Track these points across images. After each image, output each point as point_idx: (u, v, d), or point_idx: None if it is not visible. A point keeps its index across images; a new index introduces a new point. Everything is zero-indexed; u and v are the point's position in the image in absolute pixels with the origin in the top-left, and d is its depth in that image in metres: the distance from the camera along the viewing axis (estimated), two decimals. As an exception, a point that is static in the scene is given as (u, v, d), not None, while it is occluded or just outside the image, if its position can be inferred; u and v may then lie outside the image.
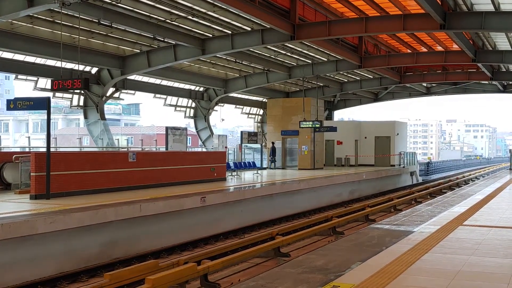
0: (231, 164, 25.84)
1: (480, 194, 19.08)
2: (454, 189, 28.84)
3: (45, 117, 14.60)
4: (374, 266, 7.42)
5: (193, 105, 33.02)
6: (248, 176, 25.76)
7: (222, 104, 35.03)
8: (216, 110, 34.68)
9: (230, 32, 22.16)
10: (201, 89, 32.44)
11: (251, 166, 27.57)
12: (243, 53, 25.84)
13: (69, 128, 69.22)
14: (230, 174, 24.52)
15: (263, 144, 34.03)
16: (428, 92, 42.87)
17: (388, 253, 8.36)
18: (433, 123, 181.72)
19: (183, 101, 32.23)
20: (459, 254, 8.36)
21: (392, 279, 6.70)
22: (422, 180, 43.13)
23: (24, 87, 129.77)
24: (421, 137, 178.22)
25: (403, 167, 37.45)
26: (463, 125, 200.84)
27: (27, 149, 22.97)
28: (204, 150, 32.83)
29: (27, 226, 10.52)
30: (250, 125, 42.14)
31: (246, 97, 37.29)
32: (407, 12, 20.50)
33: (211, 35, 22.45)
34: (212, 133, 33.46)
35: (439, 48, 28.16)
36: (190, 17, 20.32)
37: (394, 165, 37.08)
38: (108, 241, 12.55)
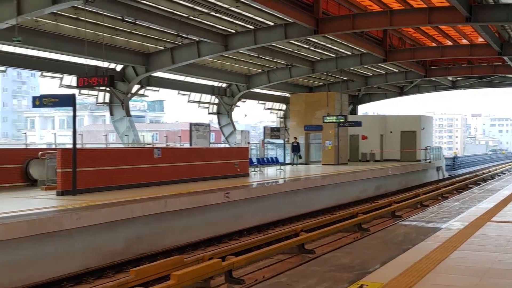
0: (254, 160, 25.80)
1: (507, 189, 18.74)
2: (480, 184, 28.42)
3: (71, 114, 14.71)
4: (402, 264, 7.29)
5: (216, 101, 33.05)
6: (271, 171, 25.71)
7: (244, 100, 35.01)
8: (239, 106, 34.68)
9: (253, 27, 22.09)
10: (224, 85, 32.44)
11: (274, 161, 27.49)
12: (266, 48, 25.73)
13: (95, 125, 69.90)
14: (253, 169, 24.48)
15: (286, 139, 33.86)
16: (454, 86, 42.32)
17: (416, 250, 8.22)
18: (458, 117, 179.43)
19: (206, 97, 32.27)
20: (489, 251, 8.20)
21: (421, 278, 6.57)
22: (449, 175, 42.57)
23: (49, 84, 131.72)
24: (446, 131, 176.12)
25: (429, 162, 36.99)
26: (488, 119, 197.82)
27: (53, 146, 23.25)
28: (227, 146, 32.86)
29: (53, 222, 10.63)
30: (272, 120, 42.03)
31: (269, 92, 37.17)
32: (432, 5, 20.21)
33: (233, 31, 22.40)
34: (235, 128, 33.44)
35: (464, 42, 27.73)
36: (213, 13, 20.30)
37: (420, 160, 36.65)
38: (134, 236, 12.61)
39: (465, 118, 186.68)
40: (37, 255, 10.35)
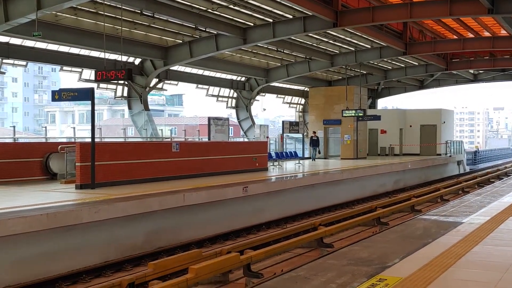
0: (273, 154, 25.74)
1: (531, 184, 18.44)
2: (503, 178, 28.04)
3: (90, 108, 14.77)
4: (421, 258, 7.18)
5: (235, 95, 33.02)
6: (290, 166, 25.62)
7: (263, 94, 34.91)
8: (258, 100, 34.60)
9: (271, 20, 21.97)
10: (243, 79, 32.38)
11: (292, 156, 27.38)
12: (285, 41, 25.61)
13: (114, 119, 70.42)
14: (271, 164, 24.43)
15: (305, 134, 33.71)
16: (475, 79, 41.71)
17: (436, 245, 8.09)
18: (480, 111, 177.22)
19: (225, 91, 32.25)
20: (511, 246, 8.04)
21: (441, 272, 6.46)
22: (470, 169, 42.07)
23: (70, 79, 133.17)
24: (468, 125, 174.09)
25: (450, 156, 36.58)
26: (511, 113, 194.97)
27: (72, 140, 23.42)
28: (245, 140, 32.81)
29: (72, 215, 10.68)
30: (291, 114, 41.90)
31: (288, 86, 37.04)
32: (453, -4, 19.90)
33: (252, 24, 22.31)
34: (253, 123, 33.39)
35: (486, 34, 27.29)
36: (231, 6, 20.24)
37: (440, 154, 36.26)
38: (152, 230, 12.64)
39: (487, 112, 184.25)
40: (56, 248, 10.41)
